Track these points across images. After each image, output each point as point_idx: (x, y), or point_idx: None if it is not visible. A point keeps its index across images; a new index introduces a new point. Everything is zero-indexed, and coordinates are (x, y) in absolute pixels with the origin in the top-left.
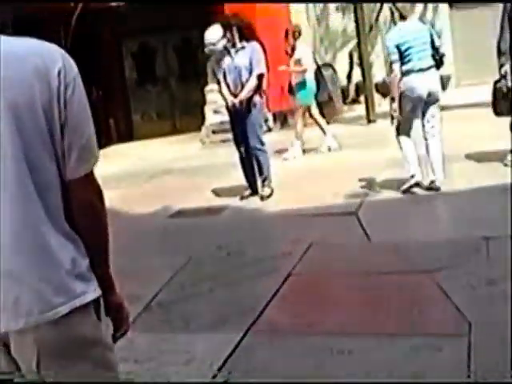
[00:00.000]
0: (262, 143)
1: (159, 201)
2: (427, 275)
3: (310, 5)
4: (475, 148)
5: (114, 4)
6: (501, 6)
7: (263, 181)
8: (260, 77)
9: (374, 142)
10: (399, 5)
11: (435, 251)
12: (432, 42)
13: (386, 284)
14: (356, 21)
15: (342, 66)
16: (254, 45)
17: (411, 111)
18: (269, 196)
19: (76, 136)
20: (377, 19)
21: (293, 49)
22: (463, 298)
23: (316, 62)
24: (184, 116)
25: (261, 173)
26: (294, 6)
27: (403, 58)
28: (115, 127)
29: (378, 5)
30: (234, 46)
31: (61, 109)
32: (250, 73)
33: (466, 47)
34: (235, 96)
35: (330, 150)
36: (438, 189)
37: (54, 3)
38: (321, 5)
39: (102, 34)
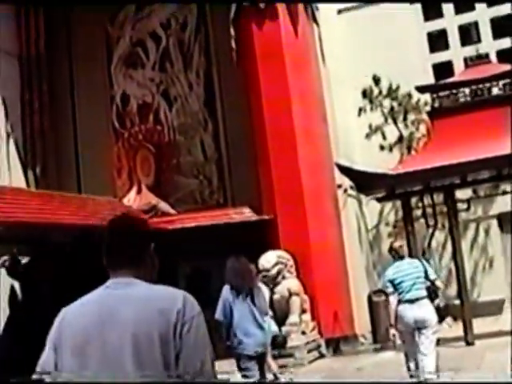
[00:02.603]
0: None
1: None
2: None
3: (363, 230)
4: None
5: (169, 227)
6: None
7: None
8: None
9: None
10: (398, 248)
11: None
12: (426, 276)
13: None
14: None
15: None
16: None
17: (406, 334)
18: None
19: (190, 364)
20: (429, 245)
21: None
22: None
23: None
24: None
25: None
26: (345, 233)
27: (396, 289)
28: None
29: (430, 231)
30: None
31: (176, 341)
32: None
33: None
34: None
35: None
36: None
37: None
38: (374, 231)
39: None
